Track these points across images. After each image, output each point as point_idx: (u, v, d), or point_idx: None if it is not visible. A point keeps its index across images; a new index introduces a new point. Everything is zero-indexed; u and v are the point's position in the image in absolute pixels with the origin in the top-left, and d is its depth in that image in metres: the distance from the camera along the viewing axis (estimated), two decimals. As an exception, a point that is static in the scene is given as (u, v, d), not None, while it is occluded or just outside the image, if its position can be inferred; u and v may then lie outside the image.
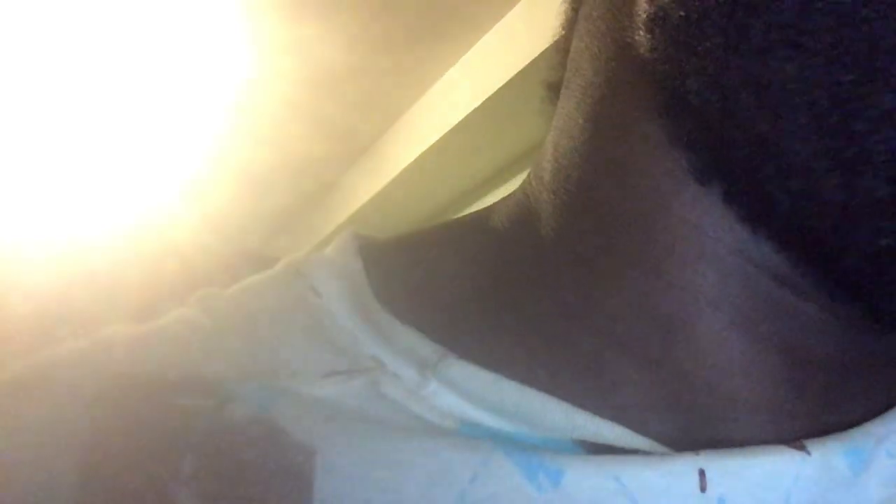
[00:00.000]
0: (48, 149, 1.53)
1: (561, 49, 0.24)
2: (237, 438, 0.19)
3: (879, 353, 0.21)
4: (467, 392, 0.20)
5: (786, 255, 0.18)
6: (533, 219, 0.23)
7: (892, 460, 0.20)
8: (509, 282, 0.22)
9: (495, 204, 0.25)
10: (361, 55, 1.38)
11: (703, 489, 0.18)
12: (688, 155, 0.19)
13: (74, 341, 0.22)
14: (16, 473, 0.18)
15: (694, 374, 0.20)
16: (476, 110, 1.40)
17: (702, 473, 0.19)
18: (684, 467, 0.19)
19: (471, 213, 0.26)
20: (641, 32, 0.19)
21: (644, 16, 0.19)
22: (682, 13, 0.18)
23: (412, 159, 1.61)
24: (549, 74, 0.25)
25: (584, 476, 0.18)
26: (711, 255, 0.19)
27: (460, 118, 1.44)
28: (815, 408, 0.20)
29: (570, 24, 0.24)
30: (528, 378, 0.21)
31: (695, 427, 0.20)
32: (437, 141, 1.52)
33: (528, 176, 0.24)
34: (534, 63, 1.22)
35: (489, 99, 1.36)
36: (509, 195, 0.25)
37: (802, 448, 0.19)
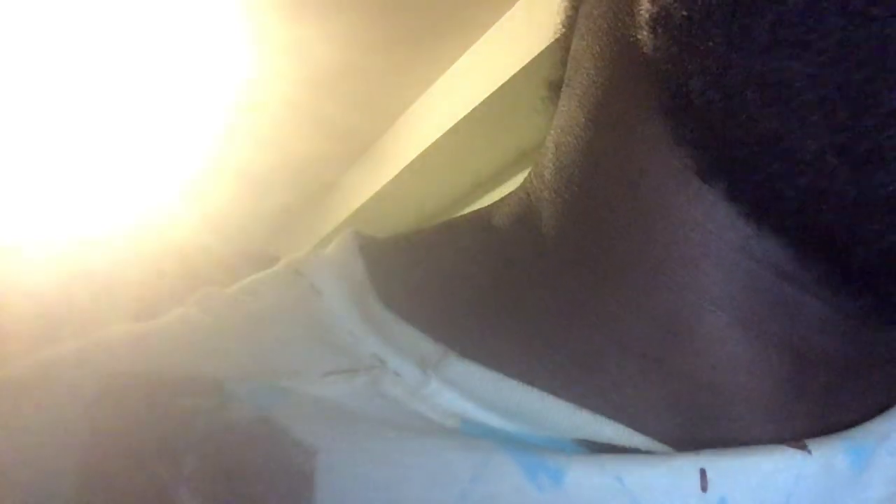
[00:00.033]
0: (48, 149, 1.53)
1: (562, 47, 0.24)
2: (238, 438, 0.19)
3: (880, 351, 0.21)
4: (468, 391, 0.20)
5: (792, 250, 0.18)
6: (534, 218, 0.23)
7: (893, 459, 0.20)
8: (510, 281, 0.22)
9: (496, 203, 0.25)
10: (362, 55, 1.38)
11: (704, 489, 0.18)
12: (691, 153, 0.19)
13: (74, 341, 0.22)
14: (15, 473, 0.18)
15: (695, 373, 0.20)
16: (476, 109, 1.40)
17: (703, 473, 0.19)
18: (685, 467, 0.19)
19: (471, 213, 0.26)
20: (644, 32, 0.19)
21: (646, 15, 0.19)
22: (684, 13, 0.18)
23: (412, 159, 1.61)
24: (549, 73, 0.25)
25: (586, 475, 0.18)
26: (714, 252, 0.19)
27: (460, 118, 1.43)
28: (816, 407, 0.20)
29: (571, 23, 0.24)
30: (529, 377, 0.21)
31: (696, 426, 0.20)
32: (437, 140, 1.52)
33: (529, 175, 0.24)
34: (534, 62, 1.22)
35: (489, 98, 1.36)
36: (510, 194, 0.25)
37: (804, 447, 0.19)
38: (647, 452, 0.20)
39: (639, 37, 0.20)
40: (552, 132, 0.23)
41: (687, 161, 0.19)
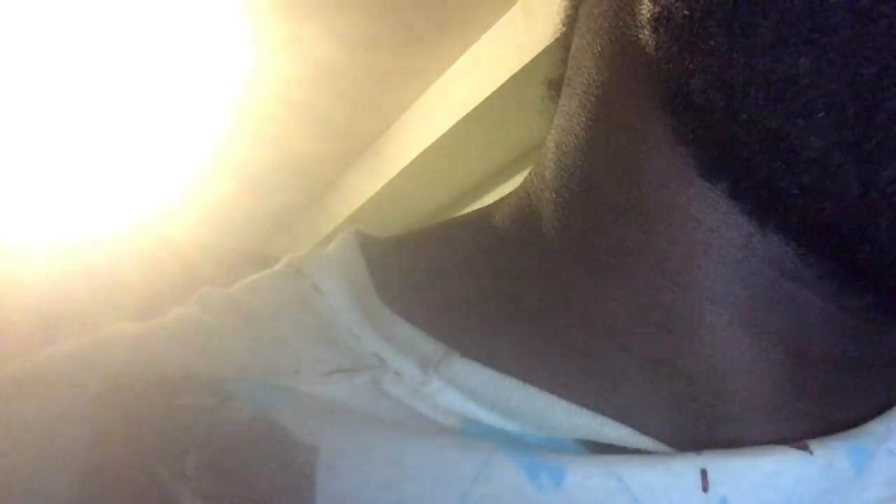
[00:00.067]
0: (48, 149, 1.53)
1: (562, 46, 0.24)
2: (239, 437, 0.19)
3: (881, 351, 0.21)
4: (470, 390, 0.20)
5: (794, 247, 0.18)
6: (534, 217, 0.23)
7: (893, 459, 0.20)
8: (511, 280, 0.22)
9: (497, 202, 0.25)
10: (362, 55, 1.38)
11: (704, 489, 0.18)
12: (693, 152, 0.19)
13: (74, 341, 0.22)
14: (16, 473, 0.18)
15: (695, 372, 0.20)
16: (476, 109, 1.40)
17: (704, 473, 0.19)
18: (686, 467, 0.19)
19: (472, 212, 0.26)
20: (645, 31, 0.19)
21: (648, 14, 0.19)
22: (685, 12, 0.18)
23: (412, 158, 1.61)
24: (550, 72, 0.25)
25: (586, 476, 0.18)
26: (715, 251, 0.19)
27: (460, 117, 1.43)
28: (817, 407, 0.20)
29: (571, 22, 0.24)
30: (530, 377, 0.21)
31: (697, 426, 0.20)
32: (438, 140, 1.52)
33: (530, 174, 0.24)
34: (534, 62, 1.22)
35: (489, 98, 1.36)
36: (511, 193, 0.25)
37: (805, 448, 0.19)
38: (648, 453, 0.20)
39: (640, 36, 0.20)
40: (553, 132, 0.23)
41: (688, 160, 0.19)
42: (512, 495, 0.18)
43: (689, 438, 0.20)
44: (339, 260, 0.24)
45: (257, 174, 1.78)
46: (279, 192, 1.92)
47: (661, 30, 0.19)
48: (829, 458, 0.19)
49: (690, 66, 0.18)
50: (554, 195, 0.22)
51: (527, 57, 1.24)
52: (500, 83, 1.31)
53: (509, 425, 0.20)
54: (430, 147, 1.55)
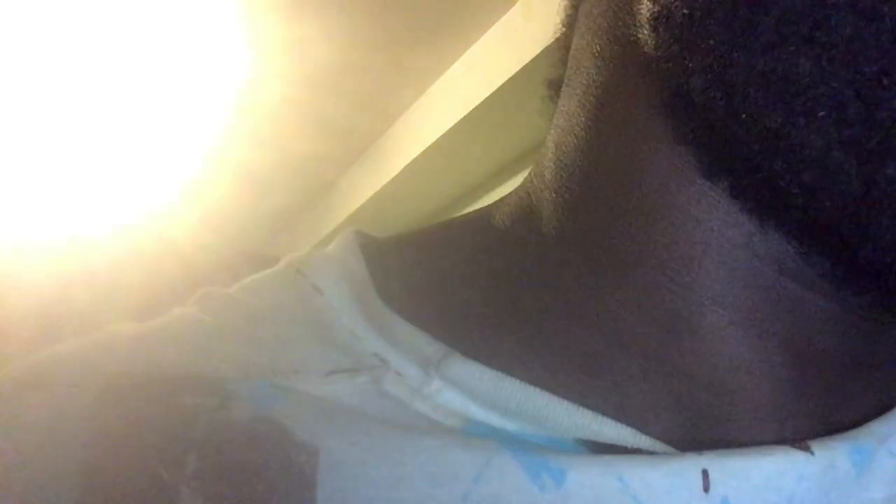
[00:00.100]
0: (48, 149, 1.53)
1: (562, 46, 0.24)
2: (239, 437, 0.19)
3: (882, 351, 0.21)
4: (470, 390, 0.20)
5: (795, 245, 0.18)
6: (534, 217, 0.23)
7: (893, 460, 0.20)
8: (511, 280, 0.22)
9: (497, 202, 0.25)
10: (361, 54, 1.38)
11: (706, 489, 0.18)
12: (693, 151, 0.19)
13: (74, 341, 0.22)
14: (17, 473, 0.18)
15: (697, 372, 0.20)
16: (476, 109, 1.40)
17: (705, 474, 0.19)
18: (688, 467, 0.19)
19: (472, 212, 0.26)
20: (645, 30, 0.19)
21: (647, 14, 0.19)
22: (685, 11, 0.18)
23: (412, 158, 1.61)
24: (549, 72, 0.25)
25: (588, 476, 0.18)
26: (715, 250, 0.19)
27: (460, 117, 1.43)
28: (818, 407, 0.20)
29: (571, 22, 0.24)
30: (531, 377, 0.21)
31: (698, 426, 0.20)
32: (437, 140, 1.52)
33: (530, 174, 0.24)
34: (534, 62, 1.22)
35: (489, 98, 1.36)
36: (510, 194, 0.25)
37: (806, 448, 0.19)
38: (649, 453, 0.20)
39: (639, 35, 0.20)
40: (552, 132, 0.23)
41: (689, 159, 0.19)
42: (513, 495, 0.18)
43: (690, 438, 0.20)
44: (339, 260, 0.24)
45: (257, 174, 1.78)
46: (279, 192, 1.92)
47: (661, 29, 0.19)
48: (830, 458, 0.19)
49: (690, 65, 0.18)
50: (554, 195, 0.22)
51: (527, 57, 1.24)
52: (500, 83, 1.31)
53: (510, 425, 0.20)
54: (430, 147, 1.55)
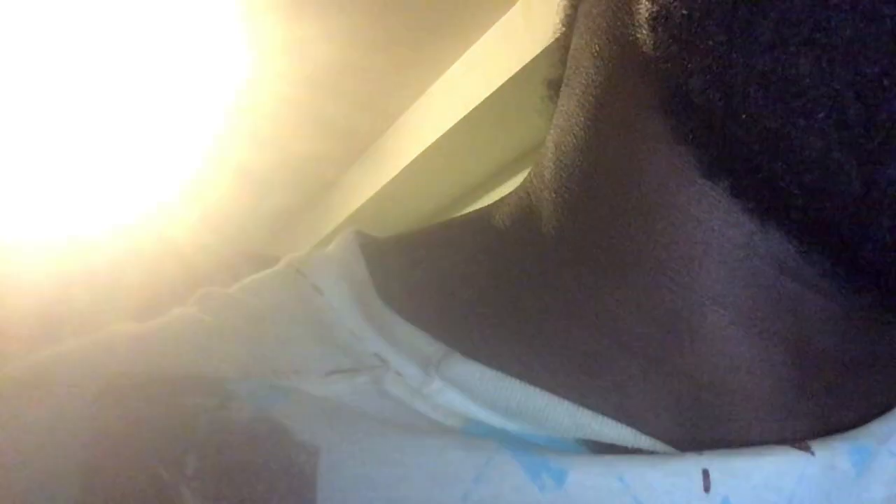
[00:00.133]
0: (48, 148, 1.53)
1: (561, 46, 0.24)
2: (239, 437, 0.19)
3: (882, 351, 0.21)
4: (471, 390, 0.20)
5: (796, 245, 0.18)
6: (534, 217, 0.23)
7: (894, 459, 0.20)
8: (511, 280, 0.22)
9: (496, 203, 0.25)
10: (361, 54, 1.38)
11: (706, 489, 0.18)
12: (692, 151, 0.19)
13: (74, 341, 0.22)
14: (17, 473, 0.18)
15: (696, 372, 0.20)
16: (476, 109, 1.40)
17: (705, 474, 0.19)
18: (688, 467, 0.19)
19: (472, 212, 0.26)
20: (644, 31, 0.19)
21: (646, 14, 0.19)
22: (684, 11, 0.18)
23: (412, 158, 1.61)
24: (549, 72, 0.25)
25: (588, 476, 0.18)
26: (716, 250, 0.19)
27: (460, 117, 1.43)
28: (818, 407, 0.20)
29: (570, 22, 0.24)
30: (532, 377, 0.21)
31: (698, 426, 0.20)
32: (437, 140, 1.52)
33: (529, 174, 0.24)
34: (533, 62, 1.22)
35: (489, 98, 1.36)
36: (510, 194, 0.25)
37: (806, 448, 0.19)
38: (650, 453, 0.20)
39: (638, 35, 0.19)
40: (552, 132, 0.23)
41: (688, 159, 0.19)
42: (514, 495, 0.18)
43: (691, 438, 0.20)
44: (339, 260, 0.24)
45: (257, 174, 1.78)
46: (279, 192, 1.92)
47: (660, 29, 0.19)
48: (831, 458, 0.19)
49: (689, 65, 0.18)
50: (554, 195, 0.22)
51: (526, 57, 1.24)
52: (499, 83, 1.31)
53: (510, 425, 0.20)
54: (430, 147, 1.55)
